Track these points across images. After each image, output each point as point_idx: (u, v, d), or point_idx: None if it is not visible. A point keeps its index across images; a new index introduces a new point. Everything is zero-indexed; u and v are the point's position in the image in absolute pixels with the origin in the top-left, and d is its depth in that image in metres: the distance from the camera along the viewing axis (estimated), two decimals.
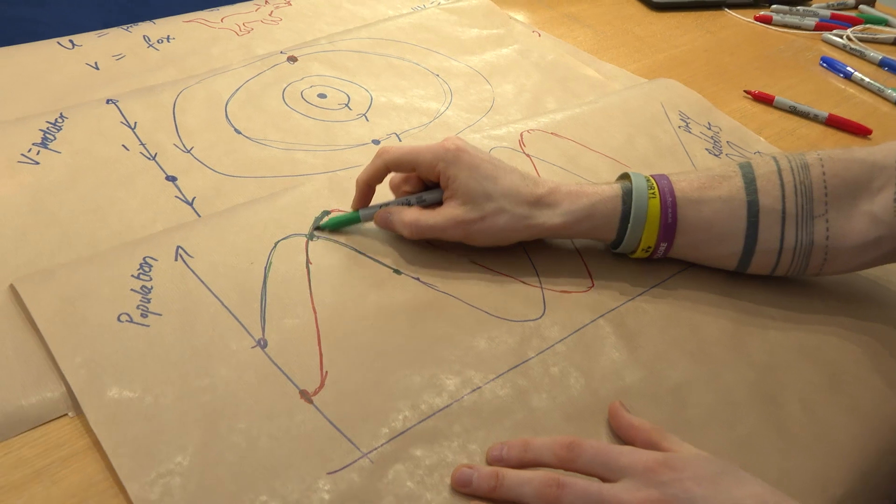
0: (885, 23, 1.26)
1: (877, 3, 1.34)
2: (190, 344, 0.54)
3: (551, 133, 0.82)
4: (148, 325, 0.55)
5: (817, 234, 0.64)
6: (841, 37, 1.19)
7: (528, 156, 0.78)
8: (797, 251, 0.65)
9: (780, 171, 0.65)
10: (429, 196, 0.65)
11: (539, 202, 0.63)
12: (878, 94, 1.06)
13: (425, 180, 0.66)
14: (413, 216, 0.63)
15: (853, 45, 1.17)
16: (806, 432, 0.59)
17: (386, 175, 0.66)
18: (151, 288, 0.57)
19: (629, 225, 0.64)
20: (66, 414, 0.50)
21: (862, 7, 1.32)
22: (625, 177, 0.67)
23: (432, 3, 1.08)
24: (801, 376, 0.63)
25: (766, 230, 0.64)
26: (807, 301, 0.69)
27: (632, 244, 0.65)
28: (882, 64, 1.14)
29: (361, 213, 0.65)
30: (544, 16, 1.15)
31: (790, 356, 0.64)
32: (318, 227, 0.65)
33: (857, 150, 0.66)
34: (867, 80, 1.07)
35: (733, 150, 0.88)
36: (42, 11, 1.04)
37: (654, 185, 0.65)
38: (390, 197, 0.67)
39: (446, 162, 0.62)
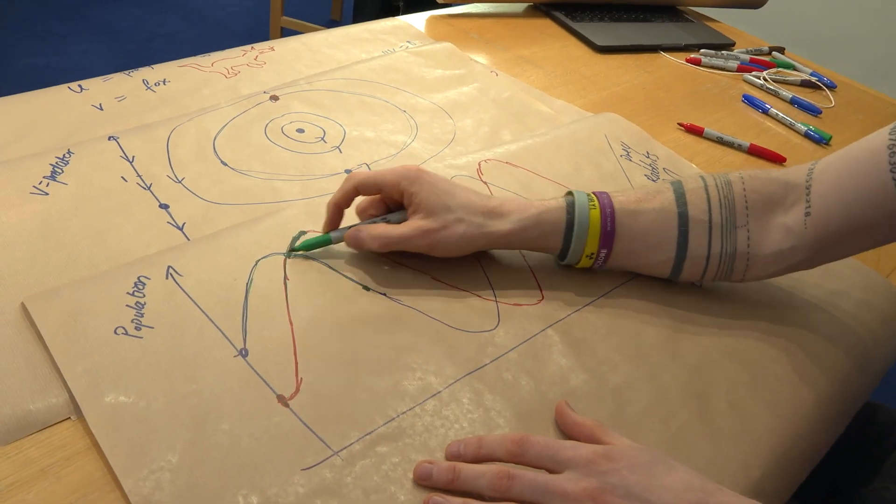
0: (793, 67, 1.33)
1: (785, 51, 1.39)
2: (179, 354, 0.54)
3: (506, 162, 0.83)
4: (142, 338, 0.55)
5: (740, 243, 0.66)
6: (758, 77, 1.24)
7: (485, 183, 0.79)
8: (722, 258, 0.66)
9: (706, 187, 0.67)
10: (393, 217, 0.66)
11: (492, 213, 0.65)
12: (790, 127, 1.11)
13: (389, 203, 0.67)
14: (381, 229, 0.64)
15: (769, 86, 1.22)
16: (730, 424, 0.60)
17: (354, 198, 0.66)
18: (145, 304, 0.57)
19: (574, 233, 0.65)
20: (69, 418, 0.50)
21: (774, 53, 1.38)
22: (569, 194, 0.68)
23: (401, 47, 1.09)
24: (728, 375, 0.64)
25: (695, 238, 0.66)
26: (733, 309, 0.71)
27: (577, 252, 0.66)
28: (793, 102, 1.19)
29: (332, 234, 0.66)
30: (501, 58, 1.16)
31: (718, 357, 0.65)
32: (293, 249, 0.65)
33: (773, 171, 0.68)
34: (781, 114, 1.12)
35: (669, 175, 0.89)
36: (60, 59, 1.03)
37: (595, 198, 0.66)
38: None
39: (409, 180, 0.63)
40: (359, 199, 0.67)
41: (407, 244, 0.64)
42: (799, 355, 0.68)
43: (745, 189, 0.66)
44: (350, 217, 0.67)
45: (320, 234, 0.66)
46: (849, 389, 0.68)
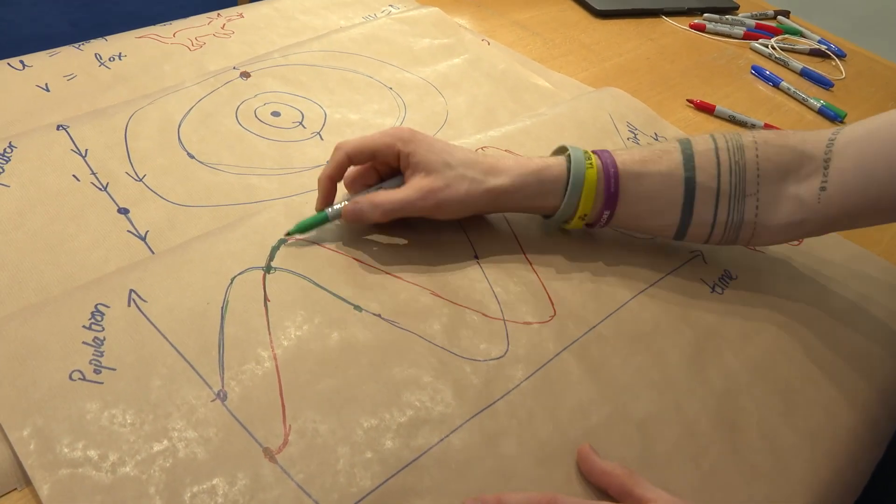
0: (801, 34, 1.27)
1: (791, 16, 1.33)
2: (147, 401, 0.48)
3: (505, 150, 0.76)
4: (101, 383, 0.48)
5: (748, 212, 0.63)
6: (766, 46, 1.18)
7: None
8: (728, 225, 0.64)
9: (716, 149, 0.63)
10: (388, 185, 0.62)
11: (492, 169, 0.62)
12: (802, 102, 1.06)
13: (381, 171, 0.64)
14: (382, 196, 0.60)
15: (777, 55, 1.16)
16: (765, 460, 0.55)
17: (346, 168, 0.62)
18: (104, 339, 0.50)
19: (569, 188, 0.62)
20: (16, 489, 0.44)
21: (780, 18, 1.32)
22: (562, 149, 0.65)
23: (383, 12, 1.01)
24: (758, 401, 0.59)
25: (701, 205, 0.63)
26: (756, 317, 0.66)
27: (567, 212, 0.63)
28: (803, 73, 1.14)
29: (329, 212, 0.61)
30: (495, 24, 1.08)
31: (747, 381, 0.61)
32: (288, 233, 0.60)
33: (791, 136, 0.64)
34: (793, 88, 1.07)
35: None
36: (7, 10, 0.94)
37: (592, 155, 0.63)
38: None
39: (403, 140, 0.61)
40: (347, 172, 0.63)
41: (411, 207, 0.60)
42: (831, 372, 0.63)
43: (758, 156, 0.63)
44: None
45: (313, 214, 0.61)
46: (889, 406, 0.63)
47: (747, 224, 0.63)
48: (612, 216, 0.64)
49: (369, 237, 0.63)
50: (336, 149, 0.61)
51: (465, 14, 1.09)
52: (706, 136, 0.65)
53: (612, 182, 0.62)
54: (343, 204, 0.61)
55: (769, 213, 0.63)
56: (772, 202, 0.63)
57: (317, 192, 0.62)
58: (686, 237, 0.66)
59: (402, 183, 0.62)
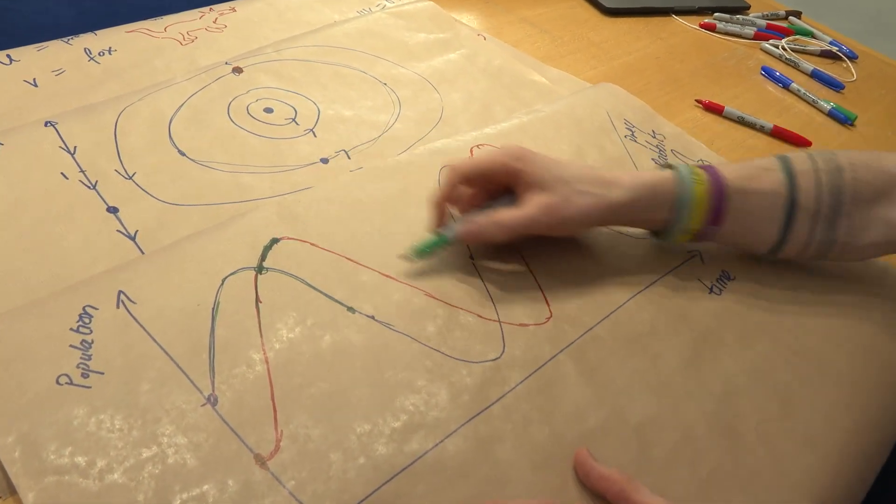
0: (811, 35, 1.27)
1: (802, 16, 1.33)
2: (136, 406, 0.47)
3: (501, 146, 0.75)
4: (89, 387, 0.47)
5: (840, 233, 0.64)
6: (777, 47, 1.18)
7: None
8: (821, 244, 0.65)
9: (816, 170, 0.64)
10: (500, 203, 0.62)
11: (608, 182, 0.62)
12: (812, 104, 1.05)
13: (490, 189, 0.63)
14: (504, 215, 0.60)
15: (788, 56, 1.16)
16: (764, 465, 0.55)
17: (459, 190, 0.62)
18: (92, 342, 0.50)
19: (680, 204, 0.63)
20: (0, 497, 0.43)
21: (791, 18, 1.32)
22: (668, 166, 0.66)
23: (378, 6, 1.00)
24: (756, 404, 0.59)
25: (800, 224, 0.64)
26: (754, 318, 0.66)
27: (680, 227, 0.64)
28: (813, 75, 1.13)
29: (447, 233, 0.61)
30: (502, 20, 1.08)
31: (745, 383, 0.60)
32: (409, 256, 0.61)
33: (885, 158, 0.65)
34: (803, 90, 1.06)
35: (678, 158, 0.83)
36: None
37: (699, 171, 0.64)
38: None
39: (516, 158, 0.61)
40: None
41: (535, 225, 0.60)
42: (831, 375, 0.62)
43: (854, 178, 0.64)
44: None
45: (432, 236, 0.61)
46: (889, 411, 0.63)
47: (838, 244, 0.65)
48: (716, 231, 0.65)
49: (352, 234, 0.62)
50: (448, 172, 0.61)
51: (472, 10, 1.09)
52: (803, 155, 0.66)
53: (720, 198, 0.63)
54: (461, 223, 0.61)
55: (858, 234, 0.64)
56: (862, 224, 0.64)
57: (310, 189, 0.62)
58: (778, 254, 0.67)
59: (514, 201, 0.62)
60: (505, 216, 0.60)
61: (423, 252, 0.60)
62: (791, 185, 0.63)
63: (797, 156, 0.66)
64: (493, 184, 0.62)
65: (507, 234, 0.60)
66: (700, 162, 0.83)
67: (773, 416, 0.58)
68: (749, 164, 0.66)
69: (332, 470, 0.47)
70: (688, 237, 0.65)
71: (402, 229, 0.63)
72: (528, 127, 0.80)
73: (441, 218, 0.62)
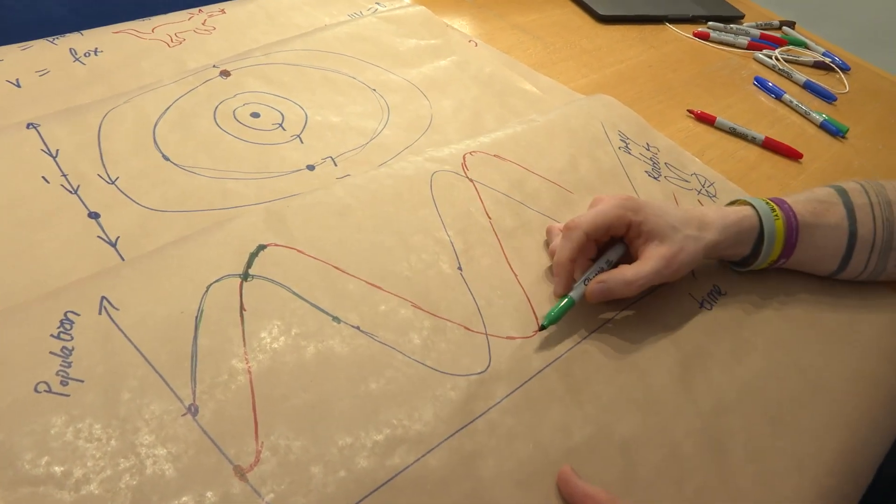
0: (805, 45, 1.28)
1: (796, 26, 1.34)
2: (115, 415, 0.47)
3: (494, 155, 0.76)
4: (68, 395, 0.47)
5: (890, 262, 0.71)
6: (770, 57, 1.19)
7: (471, 181, 0.72)
8: (872, 272, 0.71)
9: (871, 204, 0.70)
10: (613, 255, 0.64)
11: (702, 224, 0.65)
12: (804, 116, 1.06)
13: (598, 240, 0.65)
14: (631, 273, 0.61)
15: (781, 66, 1.17)
16: (752, 485, 0.55)
17: (586, 247, 0.64)
18: (73, 349, 0.49)
19: (764, 241, 0.67)
20: None
21: (785, 28, 1.34)
22: (738, 202, 0.71)
23: (369, 10, 1.00)
24: (746, 421, 0.59)
25: (858, 256, 0.70)
26: (745, 333, 0.66)
27: (763, 259, 0.69)
28: (806, 86, 1.15)
29: (574, 295, 0.61)
30: (495, 25, 1.08)
31: (735, 399, 0.61)
32: (541, 328, 0.60)
33: None
34: (795, 101, 1.07)
35: (671, 171, 0.83)
36: None
37: (775, 207, 0.69)
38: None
39: (632, 210, 0.63)
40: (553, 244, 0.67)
41: (658, 278, 0.62)
42: (821, 393, 0.63)
43: None
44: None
45: (559, 302, 0.61)
46: (878, 430, 0.63)
47: (887, 272, 0.71)
48: (785, 262, 0.70)
49: (338, 242, 0.62)
50: (569, 230, 0.62)
51: (464, 15, 1.09)
52: (857, 188, 0.71)
53: (793, 233, 0.68)
54: (581, 285, 0.62)
55: None
56: None
57: (297, 195, 0.62)
58: (835, 277, 0.73)
59: (624, 250, 0.65)
60: (631, 274, 0.61)
61: (553, 321, 0.60)
62: (851, 218, 0.69)
63: (852, 188, 0.71)
64: (606, 235, 0.64)
65: (636, 290, 0.61)
66: (696, 177, 0.84)
67: (762, 435, 0.58)
68: (812, 196, 0.70)
69: (312, 483, 0.47)
70: (764, 267, 0.70)
71: (391, 237, 0.63)
72: (520, 136, 0.80)
73: (568, 280, 0.63)
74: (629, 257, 0.65)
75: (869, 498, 0.69)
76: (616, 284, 0.61)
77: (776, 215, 0.68)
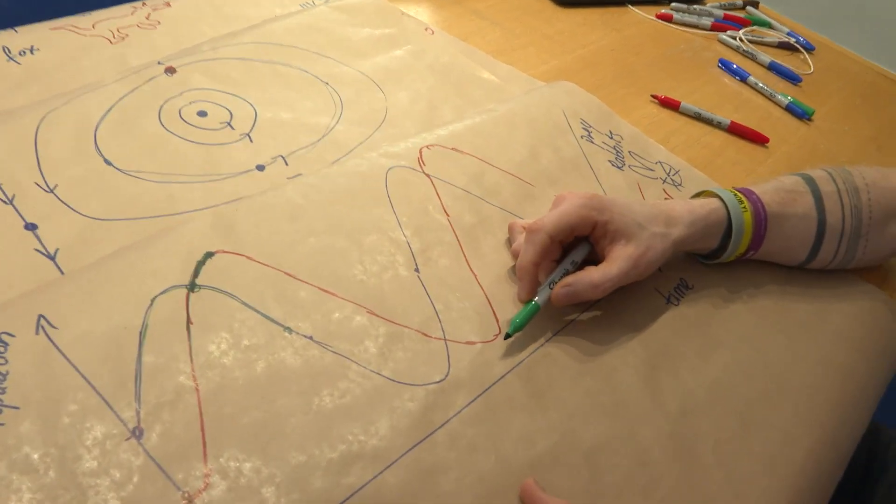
0: (769, 25, 1.27)
1: (760, 6, 1.34)
2: (54, 444, 0.45)
3: (451, 148, 0.74)
4: (3, 424, 0.45)
5: (859, 250, 0.71)
6: (734, 38, 1.18)
7: (427, 176, 0.70)
8: (842, 261, 0.72)
9: (839, 191, 0.70)
10: (578, 255, 0.63)
11: (669, 220, 0.64)
12: (769, 98, 1.05)
13: (562, 241, 0.63)
14: (598, 275, 0.60)
15: (745, 47, 1.16)
16: (720, 489, 0.55)
17: (550, 249, 0.62)
18: (7, 374, 0.48)
19: (733, 233, 0.67)
20: None
21: (749, 8, 1.33)
22: (706, 192, 0.71)
23: (322, 0, 0.98)
24: (715, 422, 0.59)
25: (827, 245, 0.70)
26: (712, 331, 0.66)
27: (731, 251, 0.68)
28: (771, 67, 1.14)
29: (540, 300, 0.60)
30: (452, 12, 1.07)
31: (703, 399, 0.60)
32: (507, 337, 0.58)
33: (892, 176, 0.72)
34: (760, 84, 1.07)
35: (635, 160, 0.82)
36: None
37: (743, 198, 0.68)
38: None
39: (598, 210, 0.61)
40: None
41: (626, 279, 0.61)
42: (790, 389, 0.62)
43: (870, 199, 0.70)
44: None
45: (524, 308, 0.60)
46: (848, 423, 0.63)
47: (856, 259, 0.71)
48: (754, 254, 0.70)
49: (293, 248, 0.60)
50: (532, 234, 0.61)
51: (420, 2, 1.07)
52: (825, 175, 0.71)
53: (762, 224, 0.68)
54: (546, 289, 0.61)
55: (873, 251, 0.71)
56: (877, 241, 0.71)
57: (245, 198, 0.60)
58: (804, 267, 0.73)
59: (589, 250, 0.64)
60: (598, 276, 0.60)
61: (518, 328, 0.58)
62: (819, 207, 0.69)
63: (819, 176, 0.71)
64: (570, 236, 0.63)
65: (602, 293, 0.60)
66: (660, 165, 0.83)
67: (732, 436, 0.58)
68: (780, 186, 0.70)
69: None
70: (732, 259, 0.70)
71: (344, 239, 0.62)
72: (480, 127, 0.78)
73: (532, 285, 0.61)
74: (594, 255, 0.64)
75: (869, 471, 0.70)
76: (583, 288, 0.60)
77: (744, 207, 0.67)
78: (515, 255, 0.64)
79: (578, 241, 0.64)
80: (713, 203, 0.67)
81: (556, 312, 0.62)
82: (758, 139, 0.95)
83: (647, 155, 0.84)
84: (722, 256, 0.69)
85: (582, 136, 0.82)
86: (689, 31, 1.20)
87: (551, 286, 0.60)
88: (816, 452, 0.59)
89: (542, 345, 0.59)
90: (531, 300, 0.60)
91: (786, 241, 0.69)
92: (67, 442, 0.46)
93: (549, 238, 0.61)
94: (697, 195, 0.72)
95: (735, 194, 0.68)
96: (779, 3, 1.37)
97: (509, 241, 0.67)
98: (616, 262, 0.60)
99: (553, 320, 0.61)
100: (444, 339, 0.58)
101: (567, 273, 0.62)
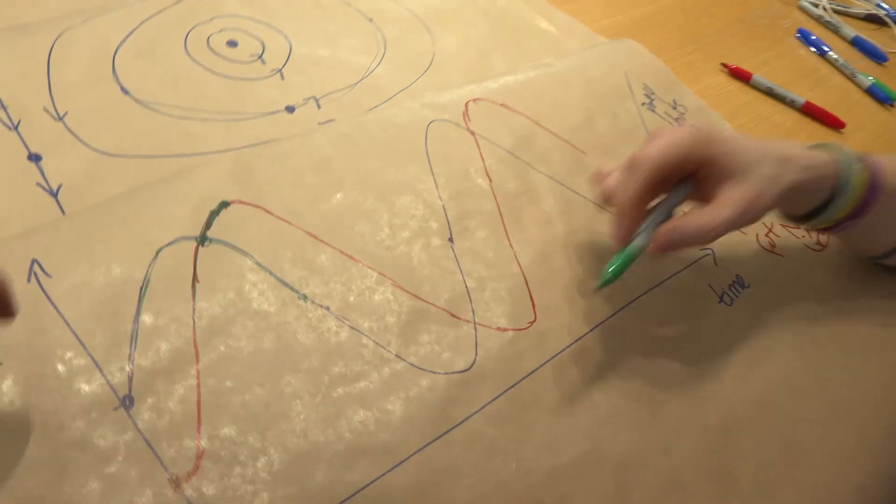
0: None
1: None
2: (36, 408, 0.42)
3: (501, 104, 0.69)
4: None
5: None
6: (816, 6, 1.10)
7: (472, 133, 0.65)
8: None
9: None
10: (676, 197, 0.54)
11: (780, 160, 0.55)
12: (850, 78, 0.98)
13: (662, 181, 0.54)
14: (705, 219, 0.51)
15: (828, 17, 1.08)
16: None
17: (653, 186, 0.53)
18: None
19: (841, 190, 0.58)
20: None
21: None
22: (823, 145, 0.60)
23: None
24: (758, 444, 0.53)
25: None
26: (768, 338, 0.60)
27: (831, 213, 0.59)
28: (854, 42, 1.06)
29: (637, 244, 0.51)
30: None
31: (747, 416, 0.54)
32: (600, 286, 0.50)
33: None
34: (841, 60, 0.99)
35: None
36: None
37: (860, 159, 0.58)
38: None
39: (706, 142, 0.53)
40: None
41: (733, 226, 0.52)
42: (844, 411, 0.57)
43: None
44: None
45: (621, 251, 0.51)
46: None
47: None
48: (849, 225, 0.60)
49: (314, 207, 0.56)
50: (635, 167, 0.53)
51: None
52: None
53: (870, 194, 0.58)
54: (647, 232, 0.52)
55: None
56: None
57: (269, 142, 0.55)
58: (885, 261, 0.66)
59: (688, 190, 0.55)
60: (706, 220, 0.51)
61: (617, 275, 0.50)
62: None
63: None
64: (674, 175, 0.54)
65: (713, 238, 0.52)
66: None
67: (775, 462, 0.53)
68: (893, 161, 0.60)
69: (256, 501, 0.42)
70: (826, 225, 0.61)
71: (373, 199, 0.57)
72: (533, 83, 0.73)
73: (632, 226, 0.53)
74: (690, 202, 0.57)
75: None
76: (689, 233, 0.51)
77: (859, 169, 0.58)
78: (606, 199, 0.57)
79: (673, 184, 0.56)
80: (823, 154, 0.58)
81: (599, 302, 0.57)
82: (833, 123, 0.88)
83: None
84: (820, 217, 0.60)
85: (643, 104, 0.76)
86: None
87: (651, 230, 0.52)
88: (869, 487, 0.54)
89: (579, 338, 0.55)
90: (625, 246, 0.52)
91: (885, 219, 0.60)
92: (50, 409, 0.42)
93: (657, 170, 0.52)
94: (813, 146, 0.62)
95: (855, 155, 0.59)
96: None
97: (594, 185, 0.60)
98: (726, 207, 0.52)
99: (596, 308, 0.57)
100: (474, 323, 0.53)
101: (668, 218, 0.54)
